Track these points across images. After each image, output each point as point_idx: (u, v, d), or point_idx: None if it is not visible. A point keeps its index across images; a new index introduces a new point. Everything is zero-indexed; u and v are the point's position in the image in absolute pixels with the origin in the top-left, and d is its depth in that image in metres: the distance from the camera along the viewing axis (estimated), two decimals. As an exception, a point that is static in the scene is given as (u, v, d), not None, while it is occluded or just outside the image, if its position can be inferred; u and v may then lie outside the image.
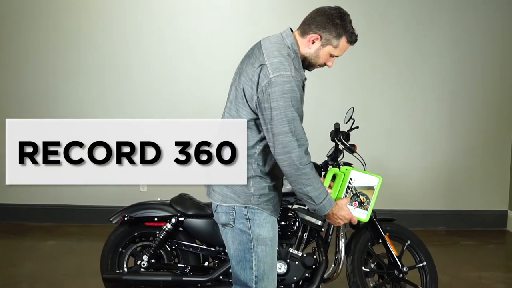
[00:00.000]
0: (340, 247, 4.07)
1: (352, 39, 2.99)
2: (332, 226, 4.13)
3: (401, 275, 4.04)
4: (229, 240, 2.99)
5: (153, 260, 4.09)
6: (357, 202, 3.17)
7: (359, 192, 3.18)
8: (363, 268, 4.07)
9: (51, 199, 6.72)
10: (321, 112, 6.54)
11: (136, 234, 4.18)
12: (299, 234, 4.04)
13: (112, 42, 6.63)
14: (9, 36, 6.70)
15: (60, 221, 6.71)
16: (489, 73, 6.67)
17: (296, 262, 4.01)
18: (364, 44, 6.54)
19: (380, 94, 6.64)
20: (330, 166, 4.18)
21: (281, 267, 3.98)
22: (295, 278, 4.00)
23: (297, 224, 3.99)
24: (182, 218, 4.09)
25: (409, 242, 4.18)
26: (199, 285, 4.00)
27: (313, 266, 4.00)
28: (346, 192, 3.16)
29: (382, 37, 6.60)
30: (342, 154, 4.21)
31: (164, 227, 4.06)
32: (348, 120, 4.18)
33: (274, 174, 2.98)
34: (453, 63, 6.63)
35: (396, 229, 4.22)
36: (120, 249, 4.20)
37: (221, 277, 3.99)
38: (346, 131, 4.22)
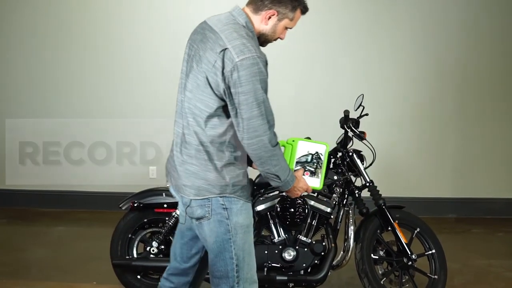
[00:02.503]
0: (349, 234, 4.07)
1: (306, 9, 2.95)
2: (341, 213, 4.12)
3: (410, 263, 4.04)
4: (206, 233, 2.89)
5: (163, 246, 4.11)
6: (308, 172, 3.21)
7: (309, 161, 3.22)
8: (372, 255, 4.07)
9: (61, 185, 6.75)
10: (331, 99, 6.53)
11: (145, 220, 4.19)
12: (308, 221, 4.04)
13: (121, 42, 6.63)
14: (9, 35, 6.73)
15: (69, 207, 6.74)
16: (497, 60, 6.61)
17: (305, 249, 4.01)
18: (373, 31, 6.54)
19: (389, 81, 6.60)
20: (339, 153, 4.18)
21: (290, 254, 3.98)
22: (304, 265, 4.00)
23: (306, 211, 3.99)
24: (191, 205, 4.09)
25: (418, 229, 4.17)
26: (208, 271, 4.01)
27: (322, 253, 4.00)
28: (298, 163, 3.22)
29: (391, 24, 6.55)
30: (351, 141, 4.20)
31: (174, 213, 4.07)
32: (358, 107, 4.17)
33: (245, 159, 2.92)
34: (462, 51, 6.58)
35: (405, 216, 4.21)
36: (129, 235, 4.22)
37: (230, 264, 4.00)
38: (355, 118, 4.20)
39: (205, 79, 2.74)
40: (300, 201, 3.99)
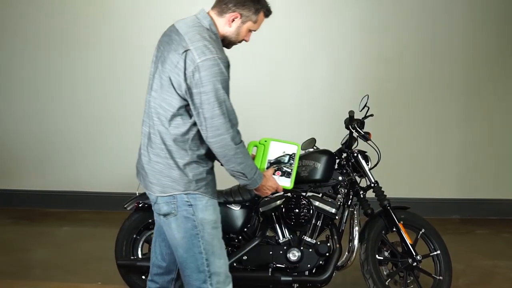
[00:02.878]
0: (354, 235, 4.07)
1: (269, 13, 3.05)
2: (346, 214, 4.12)
3: (415, 264, 4.03)
4: (173, 230, 2.97)
5: (167, 247, 4.11)
6: (279, 172, 3.26)
7: (281, 162, 3.27)
8: (376, 256, 4.06)
9: (66, 185, 6.76)
10: (336, 99, 6.52)
11: (150, 220, 4.18)
12: (313, 221, 4.04)
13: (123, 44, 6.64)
14: (10, 34, 6.74)
15: (74, 207, 6.75)
16: (502, 59, 6.60)
17: (310, 250, 4.01)
18: (379, 31, 6.53)
19: (394, 82, 6.60)
20: (344, 154, 4.18)
21: (295, 255, 3.98)
22: (308, 265, 4.00)
23: (310, 211, 3.99)
24: (196, 205, 4.09)
25: (423, 230, 4.16)
26: (213, 271, 4.01)
27: (327, 254, 4.00)
28: (270, 163, 3.27)
29: (396, 24, 6.55)
30: (356, 142, 4.20)
31: (178, 214, 4.06)
32: (363, 108, 4.16)
33: (210, 157, 2.99)
34: (468, 51, 6.56)
35: (410, 217, 4.20)
36: (134, 236, 4.22)
37: (234, 264, 4.00)
38: (360, 118, 4.20)
39: (169, 79, 2.84)
40: (304, 202, 3.99)
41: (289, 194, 4.05)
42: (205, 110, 2.78)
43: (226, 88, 2.83)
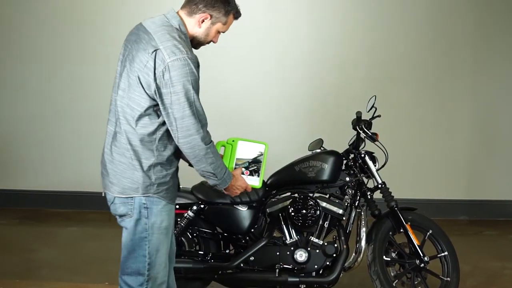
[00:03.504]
0: (361, 236, 4.06)
1: (238, 15, 3.05)
2: (353, 215, 4.11)
3: (422, 265, 4.02)
4: (124, 231, 2.98)
5: (174, 247, 4.11)
6: (248, 171, 3.25)
7: (249, 161, 3.27)
8: (384, 257, 4.05)
9: (72, 185, 6.77)
10: (343, 100, 6.51)
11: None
12: (320, 222, 4.03)
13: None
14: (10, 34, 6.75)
15: (81, 207, 6.75)
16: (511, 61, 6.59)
17: (317, 251, 4.00)
18: (386, 32, 6.52)
19: (402, 82, 6.58)
20: (351, 155, 4.17)
21: (302, 255, 3.98)
22: (315, 266, 4.00)
23: (318, 212, 3.98)
24: (203, 206, 4.09)
25: (430, 231, 4.14)
26: (220, 272, 4.01)
27: (334, 255, 3.99)
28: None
29: (404, 24, 6.54)
30: (363, 143, 4.19)
31: (186, 214, 4.07)
32: (370, 109, 4.16)
33: (174, 159, 2.99)
34: (476, 51, 6.55)
35: (418, 218, 4.19)
36: (141, 236, 4.21)
37: (242, 265, 4.00)
38: (368, 119, 4.19)
39: (137, 78, 2.81)
40: (312, 203, 3.98)
41: (296, 195, 4.04)
42: (175, 111, 2.77)
43: (196, 88, 2.82)
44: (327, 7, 6.55)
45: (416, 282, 4.06)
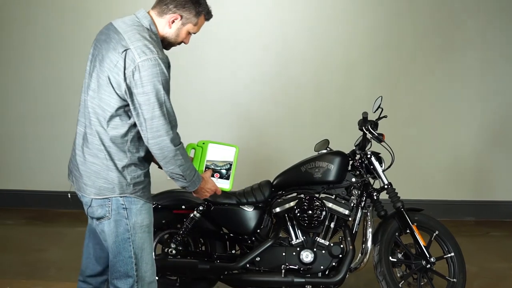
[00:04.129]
0: (367, 237, 4.06)
1: (209, 16, 3.04)
2: (359, 216, 4.11)
3: (428, 266, 4.02)
4: (106, 233, 2.95)
5: (181, 248, 4.12)
6: (218, 174, 3.25)
7: (219, 164, 3.27)
8: (390, 258, 4.05)
9: (79, 186, 6.78)
10: (349, 101, 6.51)
11: (163, 221, 4.19)
12: (326, 223, 4.03)
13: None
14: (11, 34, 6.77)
15: (88, 208, 6.76)
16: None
17: (323, 251, 4.01)
18: (392, 33, 6.51)
19: (408, 83, 6.57)
20: (358, 155, 4.17)
21: (308, 256, 3.98)
22: (321, 267, 4.00)
23: (324, 213, 3.98)
24: (210, 206, 4.10)
25: (437, 232, 4.14)
26: (225, 272, 4.02)
27: (340, 255, 3.99)
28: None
29: (410, 25, 6.52)
30: (370, 144, 4.19)
31: (192, 215, 4.07)
32: (377, 109, 4.15)
33: (148, 159, 2.99)
34: (483, 52, 6.53)
35: (424, 219, 4.18)
36: (147, 236, 4.22)
37: (248, 265, 4.01)
38: (374, 120, 4.19)
39: (107, 78, 2.79)
40: (318, 203, 3.98)
41: (302, 196, 4.05)
42: (145, 111, 2.75)
43: (167, 89, 2.81)
44: (334, 7, 6.55)
45: (422, 283, 4.06)
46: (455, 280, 4.08)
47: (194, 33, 3.05)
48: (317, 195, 4.05)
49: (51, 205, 6.79)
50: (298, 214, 3.98)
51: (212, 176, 3.22)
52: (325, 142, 4.29)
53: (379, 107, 4.15)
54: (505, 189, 6.65)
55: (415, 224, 4.08)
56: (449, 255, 4.13)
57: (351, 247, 4.00)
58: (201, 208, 4.06)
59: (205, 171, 3.22)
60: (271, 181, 4.20)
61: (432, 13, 6.50)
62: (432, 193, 6.57)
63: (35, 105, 6.74)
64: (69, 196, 3.08)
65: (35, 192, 6.84)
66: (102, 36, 2.92)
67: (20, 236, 5.98)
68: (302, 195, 4.06)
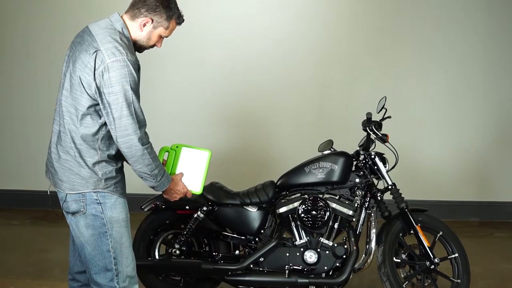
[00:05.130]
0: (371, 237, 4.05)
1: (180, 20, 3.11)
2: (363, 216, 4.10)
3: (432, 266, 4.02)
4: (82, 228, 3.02)
5: (184, 248, 4.12)
6: (189, 177, 3.31)
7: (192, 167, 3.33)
8: (394, 258, 4.05)
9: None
10: (353, 101, 6.51)
11: (167, 222, 4.21)
12: (330, 223, 4.03)
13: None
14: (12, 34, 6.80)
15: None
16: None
17: (327, 252, 4.00)
18: (396, 34, 6.52)
19: (412, 84, 6.57)
20: (361, 156, 4.17)
21: (312, 256, 3.98)
22: (325, 267, 4.00)
23: (328, 213, 3.98)
24: (213, 207, 4.10)
25: (441, 233, 4.14)
26: (229, 273, 4.02)
27: (344, 256, 3.99)
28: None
29: (413, 27, 6.52)
30: (374, 144, 4.19)
31: (196, 215, 4.08)
32: (380, 110, 4.15)
33: (119, 157, 3.06)
34: (484, 54, 6.52)
35: (428, 219, 4.18)
36: (151, 237, 4.23)
37: (251, 266, 4.01)
38: (378, 120, 4.19)
39: (79, 78, 2.89)
40: (321, 204, 3.98)
41: (306, 196, 4.05)
42: (114, 110, 2.84)
43: (136, 90, 2.89)
44: (337, 7, 6.55)
45: (426, 284, 4.06)
46: (459, 281, 4.07)
47: (166, 37, 3.13)
48: (321, 196, 4.05)
49: (56, 206, 6.78)
50: (302, 215, 3.98)
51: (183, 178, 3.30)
52: (329, 143, 4.29)
53: (383, 107, 4.14)
54: (510, 189, 6.64)
55: (419, 224, 4.07)
56: (453, 255, 4.13)
57: (355, 247, 4.00)
58: (205, 208, 4.07)
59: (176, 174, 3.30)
60: (275, 182, 4.20)
61: (434, 14, 6.50)
62: (436, 194, 6.57)
63: (39, 106, 6.76)
64: (49, 194, 3.15)
65: (40, 192, 6.83)
66: (78, 38, 3.02)
67: (25, 236, 6.00)
68: (306, 196, 4.06)
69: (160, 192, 3.24)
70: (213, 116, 6.63)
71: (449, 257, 4.14)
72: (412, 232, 4.07)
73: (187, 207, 4.12)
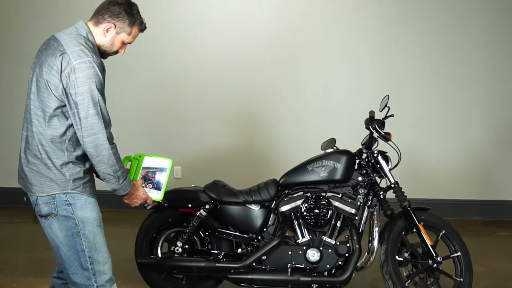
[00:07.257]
0: (374, 236, 4.05)
1: (143, 27, 3.21)
2: (366, 215, 4.10)
3: (435, 265, 4.01)
4: (55, 229, 3.07)
5: (187, 246, 4.12)
6: (151, 184, 3.39)
7: (152, 175, 3.41)
8: (396, 257, 4.04)
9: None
10: (356, 100, 6.51)
11: (170, 220, 4.21)
12: (333, 222, 4.03)
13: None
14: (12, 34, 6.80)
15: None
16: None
17: (329, 250, 4.00)
18: (398, 33, 6.51)
19: (415, 82, 6.57)
20: (364, 154, 4.17)
21: (314, 255, 3.98)
22: (328, 266, 4.00)
23: (330, 212, 3.98)
24: (216, 205, 4.10)
25: (443, 231, 4.13)
26: (232, 271, 4.02)
27: (346, 254, 3.99)
28: (144, 177, 3.40)
29: (416, 26, 6.52)
30: (376, 142, 4.19)
31: (198, 213, 4.08)
32: (383, 108, 4.15)
33: (86, 158, 3.09)
34: (487, 53, 6.52)
35: (431, 218, 4.18)
36: (154, 235, 4.24)
37: (254, 264, 4.01)
38: (381, 119, 4.18)
39: (45, 81, 2.95)
40: (324, 202, 3.98)
41: (308, 194, 4.05)
42: (80, 110, 2.89)
43: (101, 90, 2.95)
44: (341, 7, 6.55)
45: (428, 283, 4.06)
46: (461, 279, 4.07)
47: (130, 43, 3.19)
48: (323, 194, 4.05)
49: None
50: (305, 213, 3.98)
51: (145, 186, 3.37)
52: (332, 141, 4.29)
53: (386, 106, 4.14)
54: (512, 188, 6.64)
55: (422, 223, 4.07)
56: (455, 254, 4.12)
57: (357, 246, 4.00)
58: (207, 206, 4.07)
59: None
60: (278, 180, 4.20)
61: (438, 14, 6.50)
62: (438, 193, 6.57)
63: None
64: (25, 199, 3.20)
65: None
66: (44, 46, 3.08)
67: (28, 234, 6.00)
68: (308, 194, 4.06)
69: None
70: (216, 114, 6.63)
71: (451, 255, 4.14)
72: (414, 230, 4.07)
73: (189, 205, 4.13)
